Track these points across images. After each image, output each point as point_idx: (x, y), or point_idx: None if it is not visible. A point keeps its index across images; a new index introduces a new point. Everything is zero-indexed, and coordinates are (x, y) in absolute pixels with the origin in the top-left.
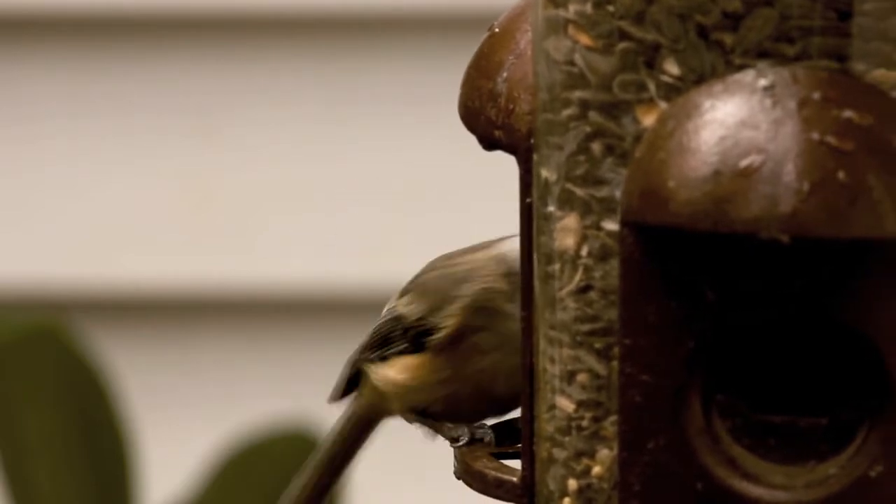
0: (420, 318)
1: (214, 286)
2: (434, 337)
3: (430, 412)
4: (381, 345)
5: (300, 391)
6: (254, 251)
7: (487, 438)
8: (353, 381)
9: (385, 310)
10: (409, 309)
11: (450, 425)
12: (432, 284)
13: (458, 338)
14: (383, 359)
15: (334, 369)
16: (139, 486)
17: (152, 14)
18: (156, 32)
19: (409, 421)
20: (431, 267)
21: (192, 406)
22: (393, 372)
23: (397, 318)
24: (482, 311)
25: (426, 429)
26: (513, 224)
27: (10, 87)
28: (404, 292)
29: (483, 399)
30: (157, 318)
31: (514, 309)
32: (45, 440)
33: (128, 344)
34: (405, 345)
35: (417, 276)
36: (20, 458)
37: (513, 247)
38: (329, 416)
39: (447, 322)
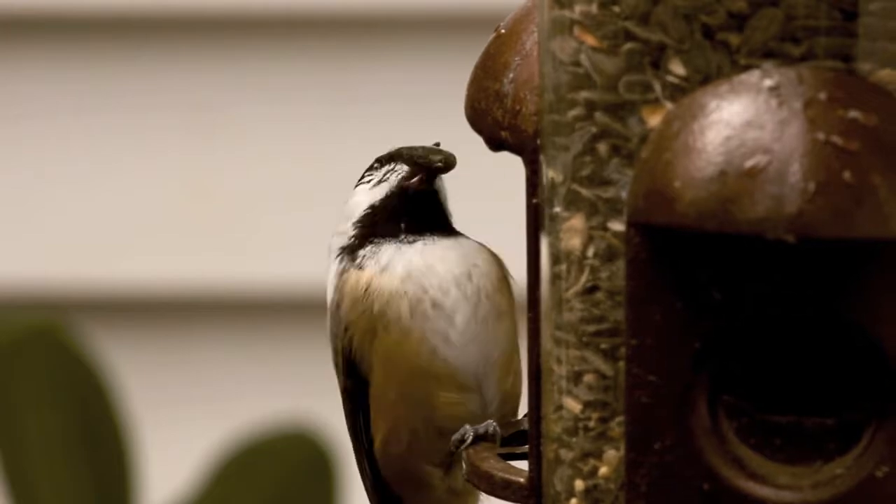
0: (339, 362)
1: (214, 286)
2: (356, 349)
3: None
4: (356, 436)
5: (300, 391)
6: (254, 251)
7: (492, 430)
8: None
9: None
10: (337, 372)
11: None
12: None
13: (370, 334)
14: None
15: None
16: (139, 486)
17: (152, 14)
18: (156, 32)
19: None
20: None
21: (192, 406)
22: (376, 440)
23: (343, 397)
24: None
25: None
26: (517, 225)
27: (9, 86)
28: None
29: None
30: (157, 318)
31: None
32: (45, 440)
33: (128, 344)
34: (361, 412)
35: None
36: (20, 458)
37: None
38: (329, 415)
39: (349, 331)
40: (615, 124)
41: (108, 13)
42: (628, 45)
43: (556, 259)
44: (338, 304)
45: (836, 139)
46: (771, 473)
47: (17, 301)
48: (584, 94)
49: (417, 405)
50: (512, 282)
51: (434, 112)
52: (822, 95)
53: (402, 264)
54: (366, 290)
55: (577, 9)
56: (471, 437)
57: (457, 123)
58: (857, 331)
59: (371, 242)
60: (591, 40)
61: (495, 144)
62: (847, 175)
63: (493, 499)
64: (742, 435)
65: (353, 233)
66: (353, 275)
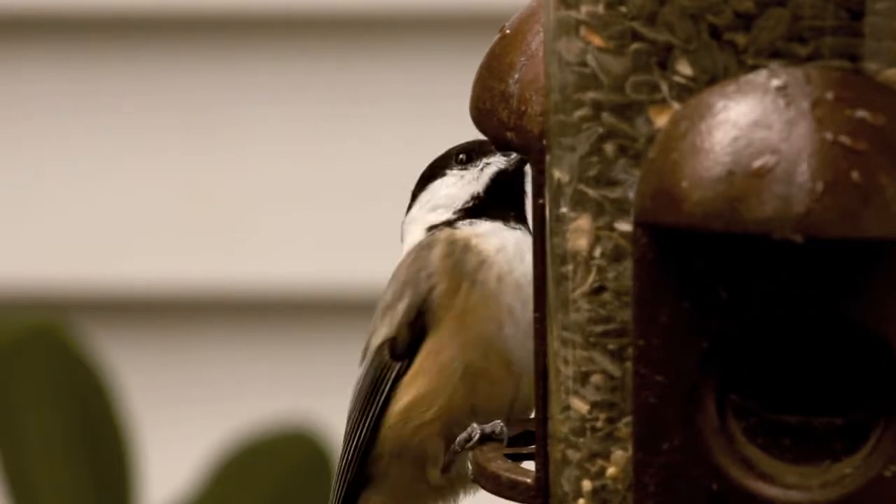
0: (404, 306)
1: (214, 286)
2: (434, 297)
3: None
4: (373, 393)
5: (300, 391)
6: (254, 251)
7: (498, 430)
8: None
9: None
10: (388, 320)
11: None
12: (394, 279)
13: (455, 289)
14: (385, 403)
15: (334, 369)
16: (139, 486)
17: (152, 14)
18: (156, 32)
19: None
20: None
21: (192, 406)
22: (405, 397)
23: (380, 348)
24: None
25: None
26: None
27: (9, 86)
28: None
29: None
30: (157, 318)
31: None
32: (45, 440)
33: (128, 344)
34: (399, 364)
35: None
36: (20, 458)
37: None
38: (329, 415)
39: (433, 278)
40: (622, 125)
41: (108, 13)
42: (635, 46)
43: (562, 259)
44: (427, 248)
45: (844, 139)
46: (779, 473)
47: (17, 301)
48: (590, 95)
49: (467, 372)
50: None
51: (434, 112)
52: (830, 95)
53: (499, 239)
54: (464, 245)
55: (584, 9)
56: (477, 436)
57: (457, 123)
58: (865, 330)
59: (470, 222)
60: (597, 41)
61: (501, 145)
62: (855, 175)
63: (500, 500)
64: (750, 435)
65: (451, 217)
66: (447, 232)
